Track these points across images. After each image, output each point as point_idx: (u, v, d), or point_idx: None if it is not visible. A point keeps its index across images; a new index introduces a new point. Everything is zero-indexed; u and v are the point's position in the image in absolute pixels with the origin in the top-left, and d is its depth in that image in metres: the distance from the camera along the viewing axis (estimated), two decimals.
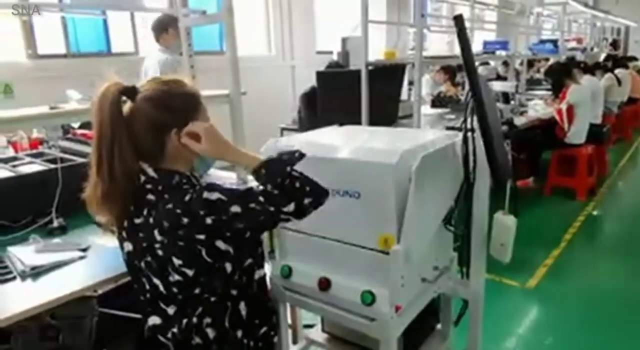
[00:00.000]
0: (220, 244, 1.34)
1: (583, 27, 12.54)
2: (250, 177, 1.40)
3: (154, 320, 1.44)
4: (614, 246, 4.47)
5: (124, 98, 1.35)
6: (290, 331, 2.23)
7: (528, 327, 3.08)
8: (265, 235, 1.75)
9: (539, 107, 6.17)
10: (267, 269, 1.66)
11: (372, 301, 1.64)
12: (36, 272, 1.68)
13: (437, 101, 6.27)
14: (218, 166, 2.50)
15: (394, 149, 1.64)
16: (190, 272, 1.34)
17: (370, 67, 4.18)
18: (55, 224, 2.09)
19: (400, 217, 1.58)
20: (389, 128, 2.45)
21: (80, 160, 2.39)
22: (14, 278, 1.66)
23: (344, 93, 4.30)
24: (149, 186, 1.35)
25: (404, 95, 5.55)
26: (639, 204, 5.90)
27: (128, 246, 1.41)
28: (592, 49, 11.21)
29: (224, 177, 2.63)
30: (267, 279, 1.65)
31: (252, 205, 1.27)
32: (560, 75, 5.68)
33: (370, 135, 2.30)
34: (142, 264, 1.38)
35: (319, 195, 1.33)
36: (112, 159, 1.30)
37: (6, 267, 1.72)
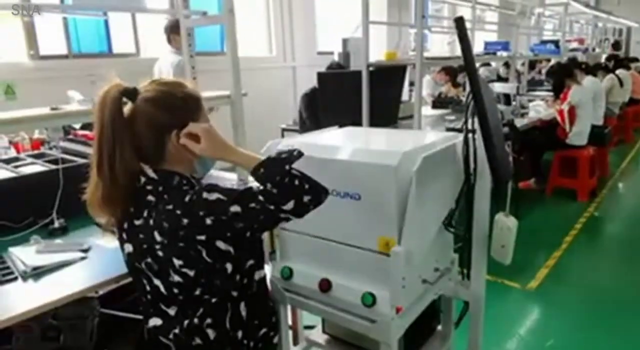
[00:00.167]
0: (220, 245, 1.34)
1: (584, 27, 12.52)
2: (251, 178, 1.40)
3: (155, 321, 1.44)
4: (615, 248, 4.47)
5: (125, 99, 1.36)
6: (290, 332, 2.23)
7: (529, 329, 3.08)
8: (266, 236, 1.75)
9: (540, 108, 6.16)
10: (268, 269, 1.66)
11: (373, 303, 1.64)
12: (37, 273, 1.68)
13: (438, 102, 6.28)
14: (219, 167, 2.50)
15: (394, 151, 1.64)
16: (191, 273, 1.34)
17: (371, 68, 4.19)
18: (57, 224, 2.09)
19: (401, 218, 1.58)
20: (389, 129, 2.46)
21: (81, 161, 2.39)
22: (16, 278, 1.66)
23: (344, 94, 4.30)
24: (149, 187, 1.35)
25: (404, 96, 5.55)
26: None
27: (128, 247, 1.41)
28: (593, 49, 11.20)
29: (225, 178, 2.63)
30: (268, 279, 1.65)
31: (252, 204, 1.27)
32: (561, 76, 5.68)
33: (370, 136, 2.31)
34: (143, 265, 1.38)
35: (319, 193, 1.33)
36: (113, 160, 1.30)
37: (8, 267, 1.73)
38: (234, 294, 1.43)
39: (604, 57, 11.03)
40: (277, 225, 1.37)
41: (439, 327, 2.19)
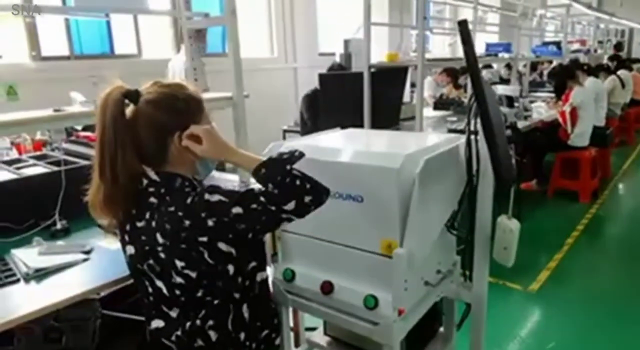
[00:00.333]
0: (222, 246, 1.34)
1: (586, 29, 12.51)
2: (253, 180, 1.40)
3: (157, 323, 1.44)
4: (617, 249, 4.47)
5: (127, 101, 1.36)
6: (292, 334, 2.23)
7: (530, 331, 3.07)
8: (267, 238, 1.75)
9: (541, 109, 6.16)
10: (269, 271, 1.66)
11: (375, 305, 1.63)
12: (40, 275, 1.68)
13: (439, 103, 6.28)
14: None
15: (396, 153, 1.64)
16: (193, 275, 1.34)
17: (372, 69, 4.19)
18: (59, 226, 2.09)
19: (403, 220, 1.58)
20: (391, 131, 2.46)
21: (83, 162, 2.40)
22: (18, 280, 1.66)
23: (346, 95, 4.30)
24: (151, 189, 1.35)
25: (406, 98, 5.55)
26: None
27: (130, 249, 1.41)
28: (595, 51, 11.19)
29: (227, 179, 2.63)
30: (270, 281, 1.65)
31: (254, 205, 1.27)
32: (563, 78, 5.67)
33: (372, 138, 2.31)
34: (145, 267, 1.38)
35: (320, 193, 1.33)
36: (115, 162, 1.31)
37: (10, 269, 1.72)
38: (236, 295, 1.43)
39: (605, 58, 11.02)
40: (279, 226, 1.36)
41: (441, 329, 2.18)
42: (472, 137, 1.72)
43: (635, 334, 3.00)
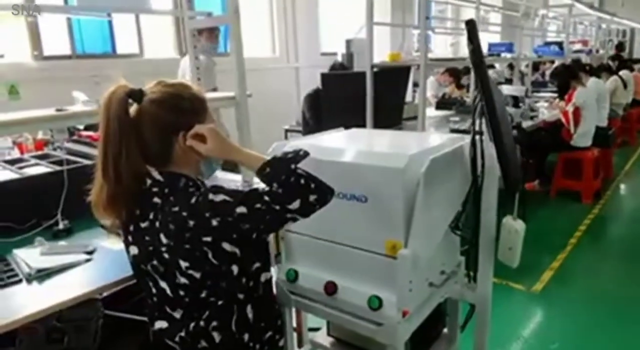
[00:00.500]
0: (226, 246, 1.33)
1: (588, 29, 12.49)
2: (256, 180, 1.39)
3: (161, 324, 1.43)
4: (620, 250, 4.45)
5: (130, 101, 1.35)
6: (295, 334, 2.22)
7: (534, 332, 3.06)
8: (271, 239, 1.74)
9: (544, 109, 6.15)
10: (274, 271, 1.65)
11: (380, 306, 1.63)
12: (42, 275, 1.67)
13: (442, 103, 6.26)
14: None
15: (401, 153, 1.63)
16: (197, 275, 1.34)
17: (375, 69, 4.18)
18: (61, 226, 2.08)
19: (408, 221, 1.57)
20: (394, 131, 2.44)
21: (86, 162, 2.39)
22: (20, 281, 1.65)
23: (348, 95, 4.29)
24: (155, 189, 1.34)
25: (408, 98, 5.54)
26: None
27: (134, 250, 1.40)
28: (597, 51, 11.17)
29: (230, 179, 2.62)
30: (273, 281, 1.64)
31: (258, 205, 1.26)
32: (566, 78, 5.67)
33: (376, 138, 2.29)
34: (149, 268, 1.37)
35: (325, 192, 1.32)
36: (119, 161, 1.30)
37: (12, 270, 1.72)
38: (240, 296, 1.42)
39: (607, 58, 11.00)
40: (284, 225, 1.35)
41: (445, 331, 2.17)
42: (477, 137, 1.71)
43: (638, 334, 2.98)
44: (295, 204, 1.26)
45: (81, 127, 3.44)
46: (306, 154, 1.38)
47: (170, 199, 1.32)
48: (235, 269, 1.38)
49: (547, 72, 9.32)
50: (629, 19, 13.14)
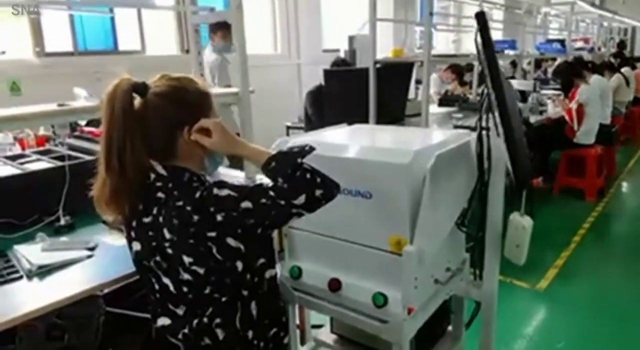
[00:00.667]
0: (231, 241, 1.31)
1: (590, 27, 12.46)
2: (259, 177, 1.37)
3: (164, 321, 1.41)
4: (623, 247, 4.44)
5: (134, 94, 1.33)
6: (297, 332, 2.20)
7: (539, 330, 3.05)
8: (274, 235, 1.72)
9: (547, 106, 6.12)
10: (278, 268, 1.64)
11: (385, 303, 1.61)
12: (43, 271, 1.66)
13: (445, 100, 6.23)
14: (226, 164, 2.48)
15: (406, 149, 1.61)
16: (200, 271, 1.32)
17: (378, 65, 4.15)
18: (63, 222, 2.07)
19: (413, 217, 1.55)
20: (399, 127, 2.42)
21: (87, 157, 2.37)
22: (21, 277, 1.64)
23: (351, 91, 4.27)
24: (158, 184, 1.32)
25: (410, 94, 5.52)
26: None
27: (137, 246, 1.38)
28: (599, 49, 11.13)
29: (233, 175, 2.61)
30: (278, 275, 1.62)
31: (263, 200, 1.25)
32: (569, 75, 5.64)
33: (380, 134, 2.27)
34: (152, 264, 1.36)
35: (330, 187, 1.30)
36: (123, 155, 1.28)
37: (12, 266, 1.70)
38: (245, 293, 1.40)
39: (608, 56, 10.96)
40: (289, 221, 1.33)
41: (450, 328, 2.16)
42: (484, 132, 1.69)
43: None
44: (301, 199, 1.24)
45: (83, 123, 3.43)
46: (312, 148, 1.36)
47: (174, 194, 1.30)
48: (239, 265, 1.36)
49: (549, 70, 9.29)
50: (630, 18, 13.09)
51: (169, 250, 1.31)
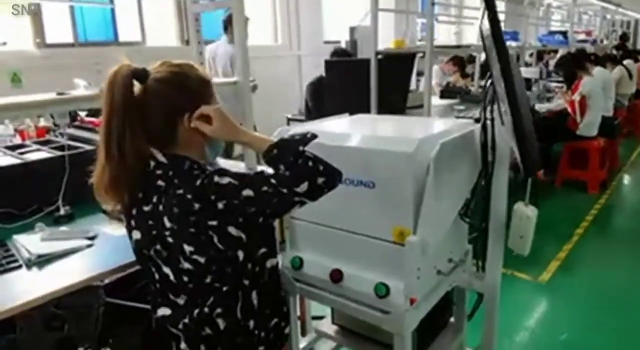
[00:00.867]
0: (232, 230, 1.30)
1: (592, 19, 12.39)
2: (260, 168, 1.35)
3: (164, 311, 1.40)
4: (626, 240, 4.41)
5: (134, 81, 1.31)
6: (299, 323, 2.19)
7: (541, 322, 3.04)
8: (276, 225, 1.71)
9: (550, 106, 6.09)
10: (279, 258, 1.62)
11: (387, 293, 1.60)
12: (42, 261, 1.65)
13: (446, 92, 6.20)
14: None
15: (410, 137, 1.60)
16: (201, 260, 1.30)
17: (379, 56, 4.12)
18: (62, 212, 2.05)
19: (416, 207, 1.53)
20: (401, 116, 2.40)
21: (88, 147, 2.35)
22: (20, 267, 1.63)
23: (352, 82, 4.24)
24: (158, 172, 1.30)
25: (412, 86, 5.49)
26: None
27: (136, 234, 1.37)
28: (601, 41, 11.07)
29: (233, 166, 2.59)
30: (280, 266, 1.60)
31: (265, 188, 1.23)
32: (572, 67, 5.61)
33: (383, 123, 2.26)
34: (152, 253, 1.34)
35: (333, 175, 1.29)
36: (123, 142, 1.26)
37: (12, 255, 1.69)
38: (246, 282, 1.38)
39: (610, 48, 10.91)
40: (291, 209, 1.31)
41: (452, 320, 2.15)
42: (489, 122, 1.67)
43: None
44: (303, 187, 1.23)
45: (83, 113, 3.42)
46: (314, 136, 1.34)
47: (175, 182, 1.28)
48: (240, 254, 1.34)
49: (551, 62, 9.24)
50: (633, 10, 13.03)
51: (170, 239, 1.29)
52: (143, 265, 1.42)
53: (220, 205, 1.24)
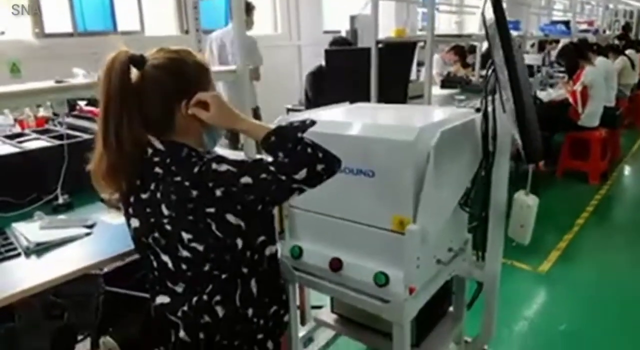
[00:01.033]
0: (230, 218, 1.29)
1: (595, 9, 12.31)
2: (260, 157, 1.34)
3: (162, 299, 1.39)
4: (627, 231, 4.41)
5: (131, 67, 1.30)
6: (298, 312, 2.19)
7: (541, 312, 3.04)
8: (275, 213, 1.70)
9: (552, 94, 6.06)
10: (279, 246, 1.61)
11: (386, 282, 1.59)
12: (41, 249, 1.64)
13: (447, 82, 6.18)
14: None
15: (410, 126, 1.59)
16: (200, 248, 1.30)
17: (380, 45, 4.10)
18: (61, 200, 2.05)
19: (416, 196, 1.53)
20: (402, 105, 2.39)
21: (86, 136, 2.34)
22: (19, 255, 1.62)
23: (352, 71, 4.21)
24: (156, 159, 1.29)
25: (412, 76, 5.46)
26: None
27: (135, 222, 1.36)
28: (604, 31, 11.01)
29: (231, 153, 2.58)
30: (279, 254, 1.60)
31: (263, 175, 1.22)
32: (574, 57, 5.57)
33: (383, 112, 2.24)
34: (150, 240, 1.33)
35: (332, 162, 1.27)
36: (120, 127, 1.25)
37: (10, 243, 1.69)
38: (245, 270, 1.38)
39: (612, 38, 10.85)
40: (290, 197, 1.30)
41: (451, 309, 2.15)
42: (490, 110, 1.66)
43: None
44: (302, 174, 1.22)
45: (83, 103, 3.41)
46: (313, 123, 1.33)
47: (172, 169, 1.27)
48: (239, 242, 1.33)
49: (552, 53, 9.19)
50: (636, 0, 12.93)
51: (168, 227, 1.28)
52: (141, 253, 1.42)
53: (218, 193, 1.23)
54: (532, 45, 8.16)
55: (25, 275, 1.49)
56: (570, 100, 5.42)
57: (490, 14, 1.46)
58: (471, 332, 2.14)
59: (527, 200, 1.72)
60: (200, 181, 1.24)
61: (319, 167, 1.24)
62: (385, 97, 4.01)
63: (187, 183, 1.24)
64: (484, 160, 1.73)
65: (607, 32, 11.27)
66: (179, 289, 1.36)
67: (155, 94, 1.30)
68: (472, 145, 1.76)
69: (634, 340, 2.73)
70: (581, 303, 3.13)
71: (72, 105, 3.31)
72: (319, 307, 2.31)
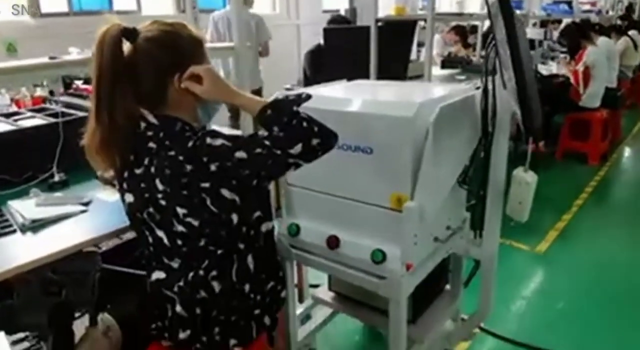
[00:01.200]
0: (225, 193, 1.28)
1: None
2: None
3: (158, 274, 1.39)
4: (625, 212, 4.40)
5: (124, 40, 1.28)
6: (296, 290, 2.19)
7: (538, 292, 3.05)
8: (271, 188, 1.69)
9: (552, 68, 6.01)
10: (275, 223, 1.61)
11: (383, 259, 1.59)
12: (36, 226, 1.63)
13: (447, 62, 6.12)
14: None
15: (409, 102, 1.57)
16: (195, 223, 1.29)
17: (379, 24, 4.05)
18: (57, 178, 2.04)
19: (415, 173, 1.51)
20: (401, 82, 2.36)
21: (82, 114, 2.32)
22: (14, 231, 1.61)
23: (351, 50, 4.17)
24: (149, 133, 1.28)
25: (412, 56, 5.41)
26: None
27: (129, 197, 1.35)
28: (607, 12, 10.89)
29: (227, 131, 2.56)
30: (275, 233, 1.59)
31: (258, 150, 1.21)
32: (577, 37, 5.51)
33: (382, 88, 2.22)
34: (145, 216, 1.33)
35: (328, 136, 1.26)
36: (113, 102, 1.24)
37: (6, 220, 1.68)
38: (241, 246, 1.37)
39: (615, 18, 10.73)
40: (286, 172, 1.29)
41: (448, 287, 2.15)
42: (489, 86, 1.64)
43: None
44: (298, 148, 1.20)
45: (80, 82, 3.38)
46: (308, 96, 1.31)
47: (166, 143, 1.26)
48: (235, 217, 1.33)
49: (554, 33, 9.11)
50: None
51: (162, 202, 1.28)
52: (137, 228, 1.41)
53: (212, 167, 1.22)
54: (534, 25, 8.07)
55: (21, 251, 1.48)
56: (572, 80, 5.37)
57: None
58: (468, 309, 2.14)
59: (526, 177, 1.70)
60: (194, 155, 1.22)
61: (315, 141, 1.22)
62: (385, 76, 3.98)
63: (181, 157, 1.23)
64: (482, 137, 1.71)
65: (610, 13, 11.16)
66: (175, 264, 1.36)
67: (148, 67, 1.29)
68: (472, 121, 1.74)
69: (630, 319, 2.74)
70: (578, 283, 3.14)
71: (68, 84, 3.29)
72: (317, 286, 2.31)
